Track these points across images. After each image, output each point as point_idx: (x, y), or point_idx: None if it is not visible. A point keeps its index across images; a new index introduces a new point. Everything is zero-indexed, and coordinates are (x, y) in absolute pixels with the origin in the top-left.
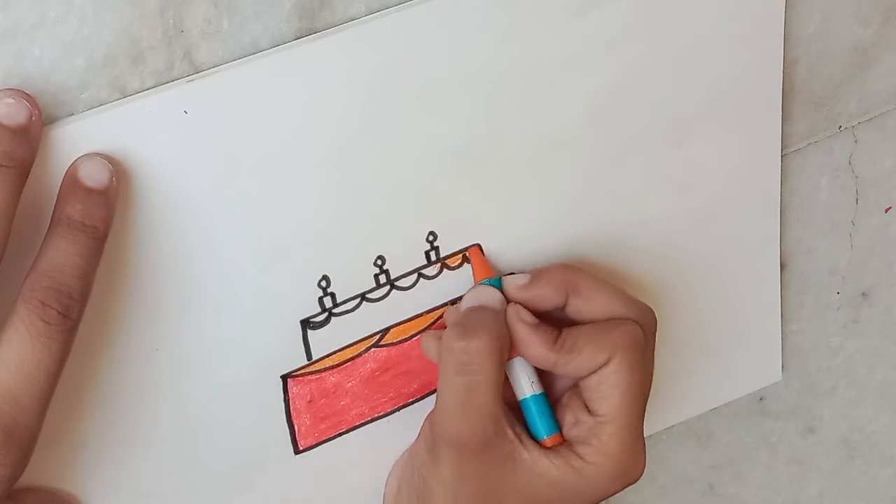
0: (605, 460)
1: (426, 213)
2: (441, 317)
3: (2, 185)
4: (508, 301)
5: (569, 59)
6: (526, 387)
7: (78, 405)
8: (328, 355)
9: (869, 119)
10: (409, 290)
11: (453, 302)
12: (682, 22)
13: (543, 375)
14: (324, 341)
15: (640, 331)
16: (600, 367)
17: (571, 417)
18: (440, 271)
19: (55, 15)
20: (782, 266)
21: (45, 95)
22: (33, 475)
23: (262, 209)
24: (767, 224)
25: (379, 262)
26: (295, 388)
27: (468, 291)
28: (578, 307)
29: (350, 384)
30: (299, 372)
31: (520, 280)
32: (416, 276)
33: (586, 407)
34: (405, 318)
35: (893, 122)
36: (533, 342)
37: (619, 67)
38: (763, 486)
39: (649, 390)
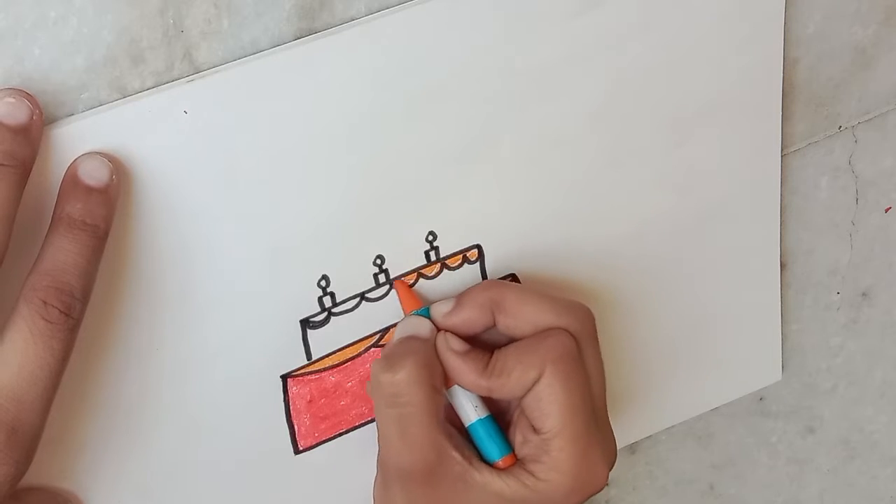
0: (558, 476)
1: (426, 213)
2: None
3: (3, 184)
4: (439, 329)
5: (569, 59)
6: (470, 412)
7: (79, 405)
8: (328, 355)
9: (869, 119)
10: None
11: None
12: (682, 22)
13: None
14: (323, 341)
15: (569, 339)
16: (533, 385)
17: (520, 436)
18: (440, 271)
19: (55, 15)
20: (782, 266)
21: (45, 95)
22: (35, 474)
23: (262, 209)
24: (767, 224)
25: (378, 261)
26: (295, 388)
27: (398, 324)
28: (507, 324)
29: (350, 384)
30: (299, 372)
31: (444, 307)
32: (416, 276)
33: (531, 425)
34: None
35: (893, 122)
36: (463, 371)
37: (619, 67)
38: (763, 486)
39: (602, 390)
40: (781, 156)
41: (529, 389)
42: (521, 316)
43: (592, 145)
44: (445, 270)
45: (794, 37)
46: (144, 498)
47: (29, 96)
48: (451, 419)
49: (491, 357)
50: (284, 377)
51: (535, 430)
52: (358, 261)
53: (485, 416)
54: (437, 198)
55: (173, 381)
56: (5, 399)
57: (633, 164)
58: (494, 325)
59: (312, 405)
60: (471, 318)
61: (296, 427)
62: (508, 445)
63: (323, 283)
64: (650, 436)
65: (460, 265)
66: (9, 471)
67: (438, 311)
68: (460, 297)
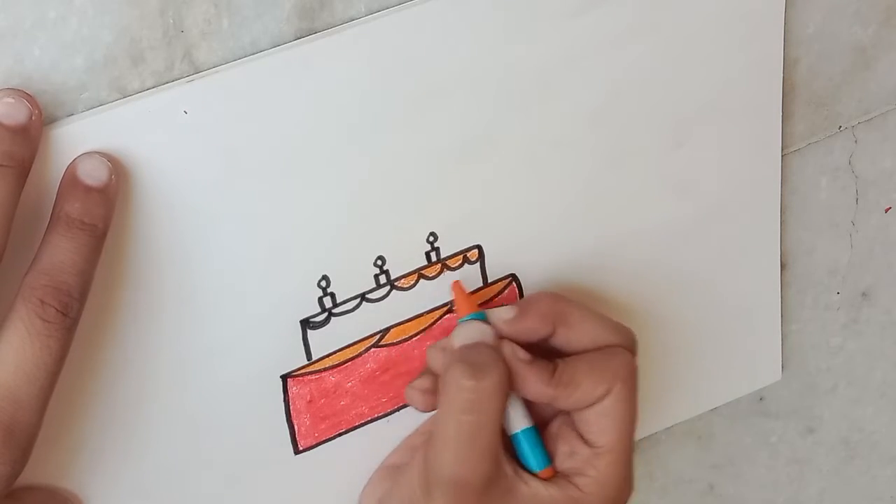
0: (600, 489)
1: (426, 213)
2: (438, 319)
3: (1, 184)
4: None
5: (569, 59)
6: (518, 421)
7: (79, 404)
8: (328, 355)
9: (869, 119)
10: (410, 291)
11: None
12: (682, 22)
13: (528, 405)
14: (324, 341)
15: (634, 360)
16: (599, 400)
17: (566, 448)
18: (441, 272)
19: (55, 15)
20: (782, 266)
21: (45, 95)
22: (33, 474)
23: (262, 209)
24: (767, 224)
25: (379, 262)
26: (295, 388)
27: (458, 327)
28: (567, 337)
29: (350, 384)
30: (299, 372)
31: (507, 314)
32: (416, 276)
33: (581, 437)
34: (405, 318)
35: (893, 122)
36: (531, 379)
37: (619, 67)
38: (763, 486)
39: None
40: (781, 156)
41: (592, 404)
42: (582, 330)
43: (592, 145)
44: (446, 271)
45: (794, 37)
46: (144, 498)
47: (28, 96)
48: None
49: (555, 367)
50: (284, 377)
51: (587, 443)
52: (358, 261)
53: (531, 425)
54: (438, 198)
55: (173, 381)
56: (2, 398)
57: (633, 163)
58: (550, 336)
59: (312, 405)
60: (533, 327)
61: (296, 427)
62: (548, 457)
63: (323, 283)
64: (650, 436)
65: (461, 265)
66: (5, 470)
67: (500, 317)
68: (524, 305)
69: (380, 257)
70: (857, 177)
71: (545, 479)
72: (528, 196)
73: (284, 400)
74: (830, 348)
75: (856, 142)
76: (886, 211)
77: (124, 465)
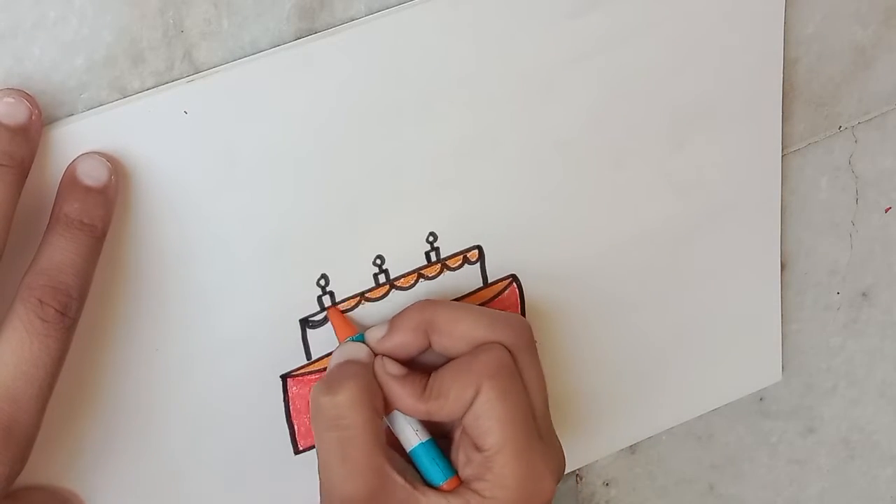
0: (504, 492)
1: (426, 213)
2: None
3: (1, 184)
4: (376, 355)
5: (569, 59)
6: (411, 437)
7: (79, 404)
8: (328, 355)
9: (869, 119)
10: (409, 290)
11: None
12: (681, 22)
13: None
14: (323, 341)
15: (503, 352)
16: (471, 403)
17: (463, 456)
18: (440, 272)
19: (55, 15)
20: (782, 266)
21: (45, 95)
22: (34, 474)
23: (262, 208)
24: (767, 224)
25: (378, 261)
26: (294, 388)
27: (334, 351)
28: (442, 343)
29: None
30: (299, 371)
31: (378, 332)
32: (416, 276)
33: (474, 443)
34: None
35: (893, 122)
36: (402, 395)
37: (619, 68)
38: (763, 486)
39: (544, 401)
40: (781, 156)
41: (468, 408)
42: (455, 334)
43: (592, 145)
44: (446, 271)
45: (794, 37)
46: (144, 497)
47: (28, 96)
48: (394, 444)
49: (428, 380)
50: (284, 377)
51: (478, 449)
52: (358, 261)
53: (426, 439)
54: (438, 198)
55: (173, 381)
56: (0, 399)
57: (633, 164)
58: (431, 346)
59: None
60: (405, 341)
61: (296, 427)
62: (452, 468)
63: (322, 281)
64: (650, 437)
65: (461, 266)
66: (4, 470)
67: (373, 336)
68: (393, 321)
69: (379, 256)
70: (857, 177)
71: (448, 491)
72: (529, 196)
73: (284, 400)
74: (830, 348)
75: (856, 142)
76: (886, 211)
77: (124, 464)
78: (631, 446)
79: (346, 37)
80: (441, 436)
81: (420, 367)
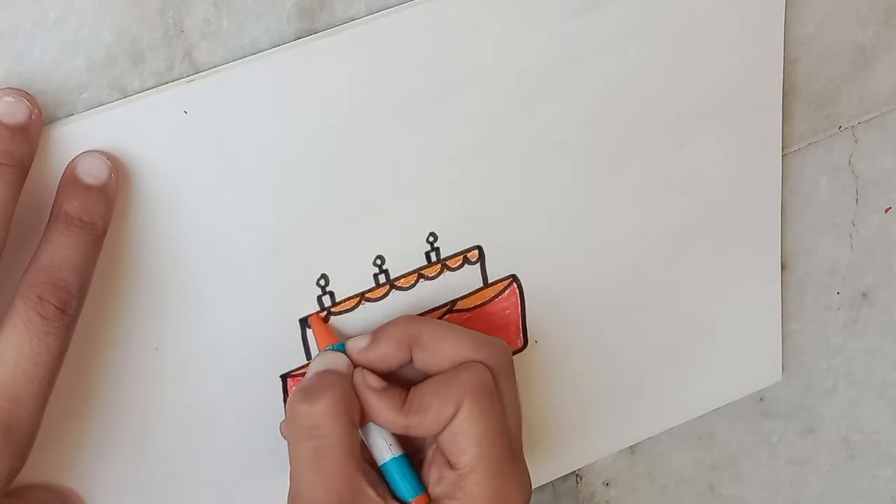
0: None
1: (426, 213)
2: (440, 318)
3: (1, 183)
4: (356, 366)
5: (569, 60)
6: (384, 451)
7: (80, 403)
8: None
9: (869, 119)
10: (409, 291)
11: (454, 302)
12: (682, 22)
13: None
14: None
15: (485, 372)
16: (450, 420)
17: (436, 474)
18: (440, 272)
19: (55, 15)
20: (782, 266)
21: (45, 95)
22: (34, 472)
23: (262, 208)
24: (767, 224)
25: (378, 261)
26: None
27: (313, 359)
28: (424, 360)
29: None
30: (299, 371)
31: (360, 343)
32: (416, 276)
33: (448, 461)
34: None
35: (893, 122)
36: (380, 408)
37: (619, 68)
38: (763, 486)
39: (518, 424)
40: (782, 156)
41: (447, 425)
42: (438, 351)
43: (592, 146)
44: (446, 271)
45: (794, 37)
46: (144, 496)
47: (28, 96)
48: (367, 457)
49: (408, 394)
50: (284, 377)
51: (451, 467)
52: (358, 261)
53: (398, 455)
54: (438, 198)
55: (173, 380)
56: (0, 396)
57: (634, 164)
58: (412, 360)
59: None
60: (387, 353)
61: None
62: (422, 485)
63: (322, 281)
64: (650, 437)
65: (461, 266)
66: (3, 468)
67: (354, 346)
68: (377, 333)
69: (379, 256)
70: (857, 177)
71: None
72: (529, 196)
73: (284, 400)
74: (830, 348)
75: (856, 142)
76: (886, 211)
77: (125, 463)
78: (631, 446)
79: (346, 37)
80: (413, 452)
81: (395, 382)
